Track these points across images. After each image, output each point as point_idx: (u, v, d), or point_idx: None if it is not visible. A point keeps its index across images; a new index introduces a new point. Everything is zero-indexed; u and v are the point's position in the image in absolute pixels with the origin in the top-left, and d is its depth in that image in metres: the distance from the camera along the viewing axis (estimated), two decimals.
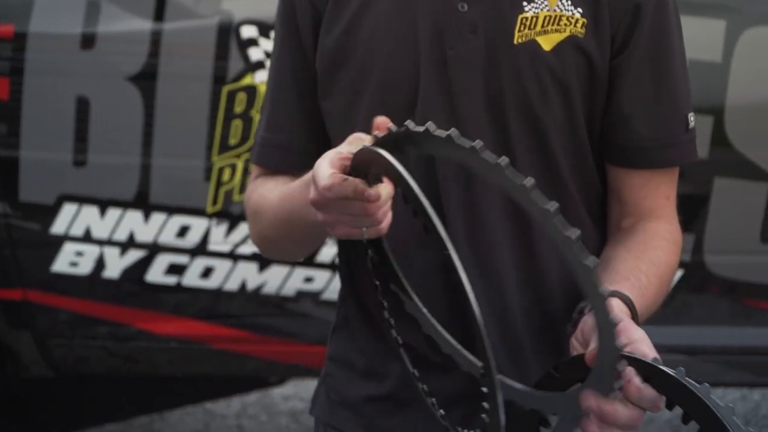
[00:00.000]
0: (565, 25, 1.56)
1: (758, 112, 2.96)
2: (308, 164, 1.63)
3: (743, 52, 2.92)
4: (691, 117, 1.64)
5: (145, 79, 3.04)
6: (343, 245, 1.73)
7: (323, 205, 1.38)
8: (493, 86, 1.57)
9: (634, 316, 1.45)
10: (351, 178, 1.33)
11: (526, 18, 1.56)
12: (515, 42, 1.56)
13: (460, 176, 1.58)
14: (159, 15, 3.03)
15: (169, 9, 3.03)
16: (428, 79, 1.58)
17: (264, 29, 3.00)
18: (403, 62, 1.59)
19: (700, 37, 2.90)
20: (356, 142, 1.39)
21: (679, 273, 2.86)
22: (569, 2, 1.57)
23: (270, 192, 1.66)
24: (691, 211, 2.84)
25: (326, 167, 1.36)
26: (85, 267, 3.12)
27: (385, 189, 1.35)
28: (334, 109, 1.66)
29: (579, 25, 1.57)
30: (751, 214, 3.00)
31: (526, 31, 1.56)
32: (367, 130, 1.40)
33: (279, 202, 1.62)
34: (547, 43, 1.57)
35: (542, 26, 1.56)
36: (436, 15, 1.58)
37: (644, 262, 1.58)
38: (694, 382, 1.26)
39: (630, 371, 1.29)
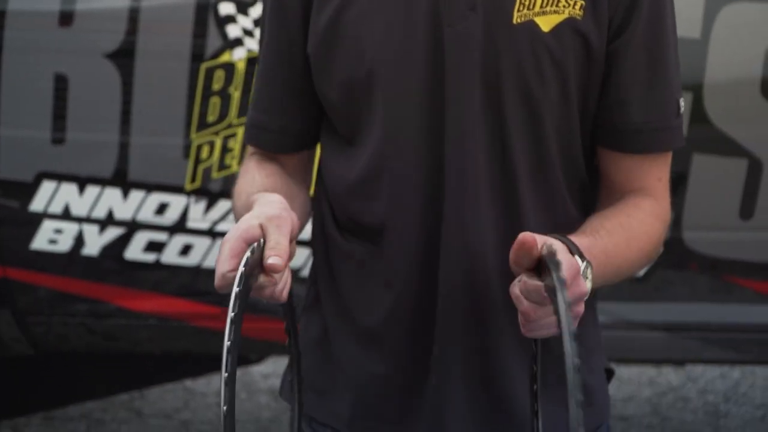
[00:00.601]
0: (564, 6, 1.57)
1: (737, 89, 2.96)
2: (299, 144, 1.70)
3: (722, 28, 2.92)
4: (682, 102, 1.66)
5: (123, 57, 3.02)
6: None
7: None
8: (490, 65, 1.57)
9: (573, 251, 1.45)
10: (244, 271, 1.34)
11: None
12: (514, 22, 1.56)
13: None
14: None
15: None
16: (423, 56, 1.58)
17: (242, 6, 2.98)
18: (396, 41, 1.59)
19: (678, 13, 2.90)
20: (268, 205, 1.44)
21: None
22: None
23: (248, 186, 1.66)
24: (670, 188, 2.84)
25: (224, 259, 1.37)
26: (64, 244, 3.11)
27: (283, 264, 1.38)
28: (329, 96, 1.65)
29: (577, 7, 1.57)
30: (730, 191, 3.01)
31: (525, 11, 1.56)
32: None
33: (239, 208, 1.63)
34: (545, 24, 1.57)
35: (541, 7, 1.56)
36: None
37: (611, 221, 1.60)
38: (553, 260, 1.31)
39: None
